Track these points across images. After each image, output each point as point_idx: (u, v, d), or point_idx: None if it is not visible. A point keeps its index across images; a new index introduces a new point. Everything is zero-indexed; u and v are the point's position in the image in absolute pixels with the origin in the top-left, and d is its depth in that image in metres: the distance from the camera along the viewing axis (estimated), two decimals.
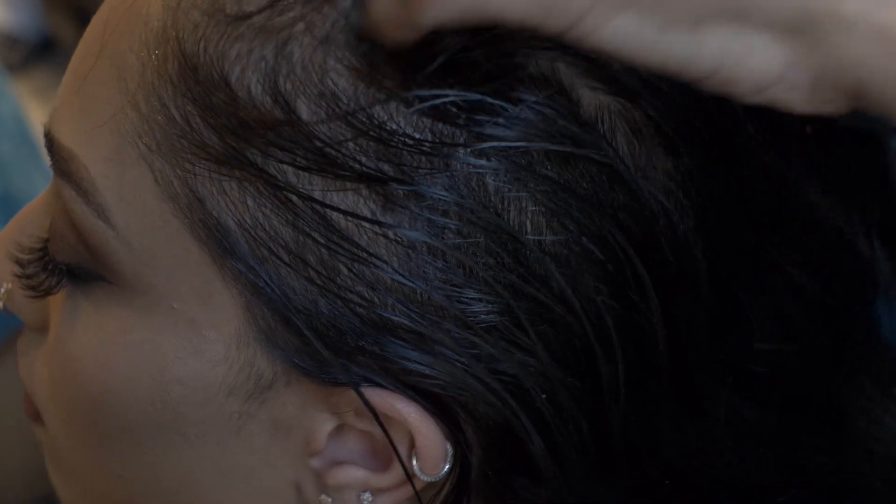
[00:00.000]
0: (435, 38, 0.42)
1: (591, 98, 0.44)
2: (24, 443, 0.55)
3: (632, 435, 0.46)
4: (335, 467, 0.48)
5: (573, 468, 0.46)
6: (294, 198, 0.44)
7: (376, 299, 0.44)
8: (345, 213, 0.44)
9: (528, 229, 0.44)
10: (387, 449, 0.47)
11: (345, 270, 0.44)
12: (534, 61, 0.44)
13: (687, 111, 0.45)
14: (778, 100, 0.41)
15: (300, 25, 0.44)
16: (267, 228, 0.44)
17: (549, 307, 0.44)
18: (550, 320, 0.45)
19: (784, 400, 0.48)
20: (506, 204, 0.44)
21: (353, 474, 0.48)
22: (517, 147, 0.43)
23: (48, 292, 0.50)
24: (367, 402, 0.45)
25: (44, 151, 0.49)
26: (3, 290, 0.53)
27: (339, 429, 0.48)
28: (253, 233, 0.45)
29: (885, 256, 0.47)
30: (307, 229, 0.44)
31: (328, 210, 0.44)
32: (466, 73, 0.43)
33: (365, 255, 0.44)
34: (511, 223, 0.44)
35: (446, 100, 0.43)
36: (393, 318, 0.44)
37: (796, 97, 0.41)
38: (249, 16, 0.44)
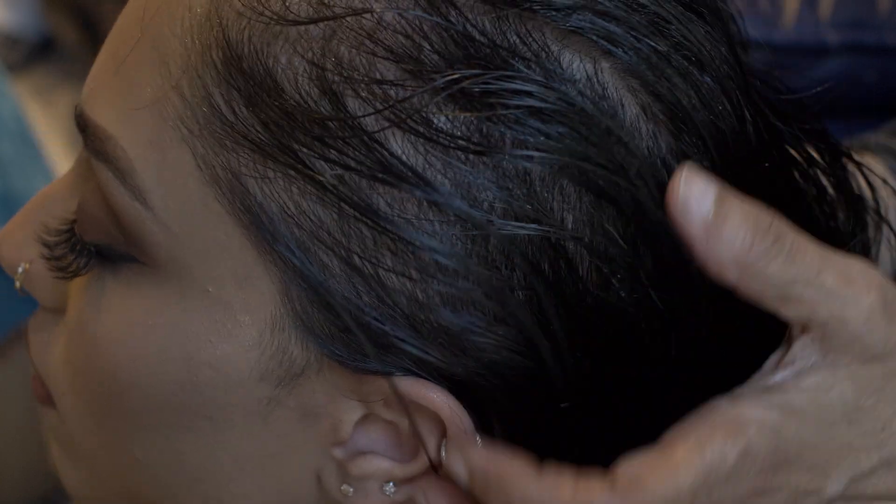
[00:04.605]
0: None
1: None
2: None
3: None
4: (359, 457, 0.48)
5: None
6: (340, 188, 0.44)
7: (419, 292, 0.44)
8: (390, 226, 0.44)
9: (570, 224, 0.45)
10: (413, 439, 0.47)
11: (390, 262, 0.44)
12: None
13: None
14: None
15: (346, 23, 0.44)
16: (312, 217, 0.44)
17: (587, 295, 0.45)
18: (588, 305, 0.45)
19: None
20: (550, 196, 0.44)
21: (378, 464, 0.48)
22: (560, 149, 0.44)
23: (77, 273, 0.50)
24: (399, 394, 0.45)
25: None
26: (20, 271, 0.53)
27: (364, 418, 0.48)
28: (297, 220, 0.45)
29: None
30: (353, 220, 0.44)
31: (374, 199, 0.44)
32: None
33: (412, 248, 0.44)
34: (555, 217, 0.44)
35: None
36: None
37: None
38: (294, 22, 0.44)
